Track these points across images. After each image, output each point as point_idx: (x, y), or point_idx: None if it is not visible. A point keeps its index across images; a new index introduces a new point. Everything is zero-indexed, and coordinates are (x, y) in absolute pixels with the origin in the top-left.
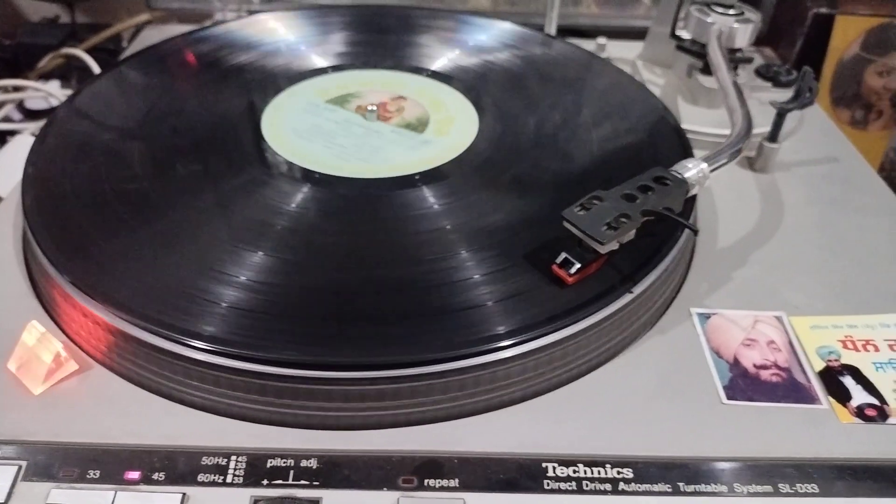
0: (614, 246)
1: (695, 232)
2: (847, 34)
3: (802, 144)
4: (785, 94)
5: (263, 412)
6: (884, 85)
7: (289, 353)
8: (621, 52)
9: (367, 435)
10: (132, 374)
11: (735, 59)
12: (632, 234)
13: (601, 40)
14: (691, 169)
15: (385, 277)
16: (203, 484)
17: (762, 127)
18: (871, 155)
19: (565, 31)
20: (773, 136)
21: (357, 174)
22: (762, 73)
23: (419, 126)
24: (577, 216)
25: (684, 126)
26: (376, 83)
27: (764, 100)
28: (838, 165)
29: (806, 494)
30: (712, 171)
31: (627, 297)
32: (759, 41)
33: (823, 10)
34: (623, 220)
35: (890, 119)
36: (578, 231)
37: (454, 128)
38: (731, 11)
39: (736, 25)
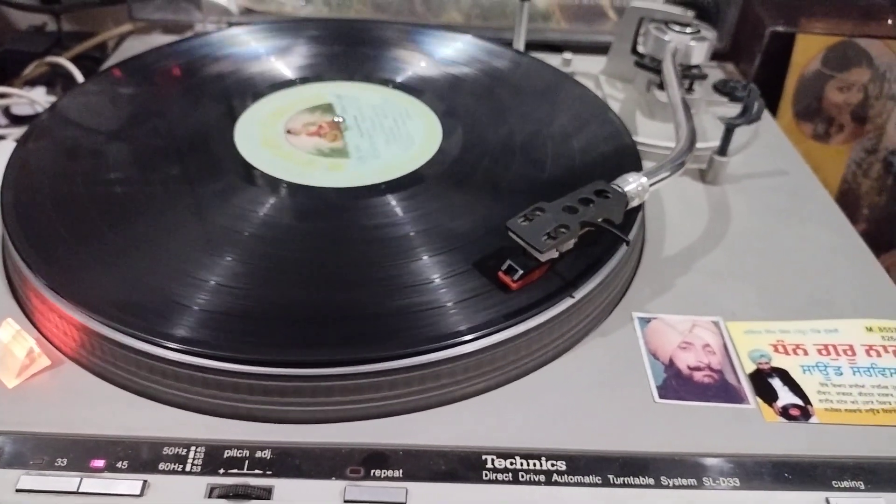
0: (554, 254)
1: (626, 242)
2: (808, 51)
3: (754, 158)
4: (738, 109)
5: (221, 406)
6: (844, 100)
7: (246, 353)
8: (587, 67)
9: (318, 428)
10: (100, 370)
11: (691, 75)
12: (570, 243)
13: (567, 55)
14: (631, 183)
15: (340, 281)
16: (163, 472)
17: (714, 141)
18: (834, 167)
19: (535, 46)
20: (722, 150)
21: (325, 183)
22: (719, 88)
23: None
24: (520, 226)
25: (640, 139)
26: (340, 95)
27: (720, 114)
28: (787, 178)
29: (728, 488)
30: (652, 185)
31: (568, 302)
32: (722, 57)
33: (780, 28)
34: (562, 230)
35: (851, 133)
36: (521, 240)
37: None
38: (688, 30)
39: (692, 43)
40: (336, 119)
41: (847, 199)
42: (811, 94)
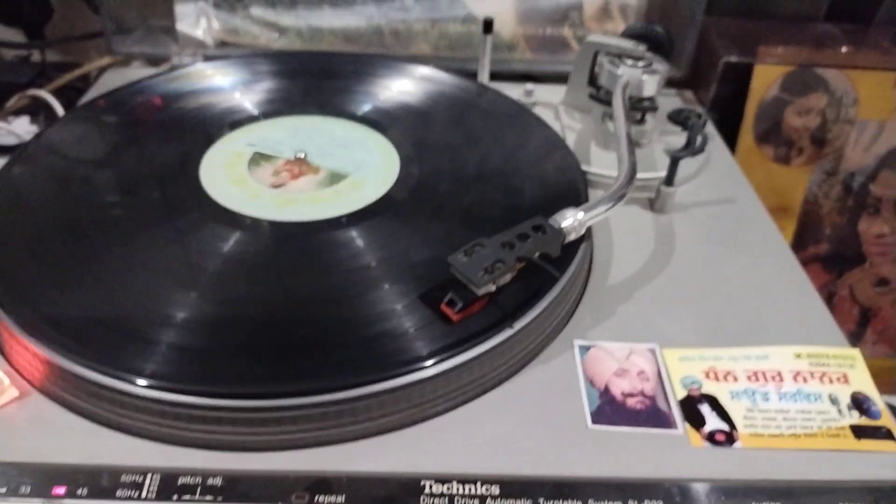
0: (491, 288)
1: (557, 276)
2: (766, 77)
3: (704, 186)
4: None
5: (177, 435)
6: (803, 124)
7: (200, 385)
8: (549, 97)
9: (267, 456)
10: (65, 401)
11: (642, 107)
12: (507, 277)
13: (528, 86)
14: (568, 218)
15: (285, 315)
16: (121, 499)
17: (663, 171)
18: (796, 189)
19: (501, 76)
20: (668, 181)
21: (287, 218)
22: (673, 117)
23: (335, 180)
24: (460, 261)
25: (593, 169)
26: (303, 129)
27: (673, 144)
28: (733, 206)
29: None
30: (589, 220)
31: (508, 333)
32: (682, 84)
33: (734, 58)
34: (499, 265)
35: (811, 155)
36: (460, 275)
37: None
38: (640, 63)
39: (644, 77)
40: (300, 155)
41: (810, 219)
42: (771, 118)
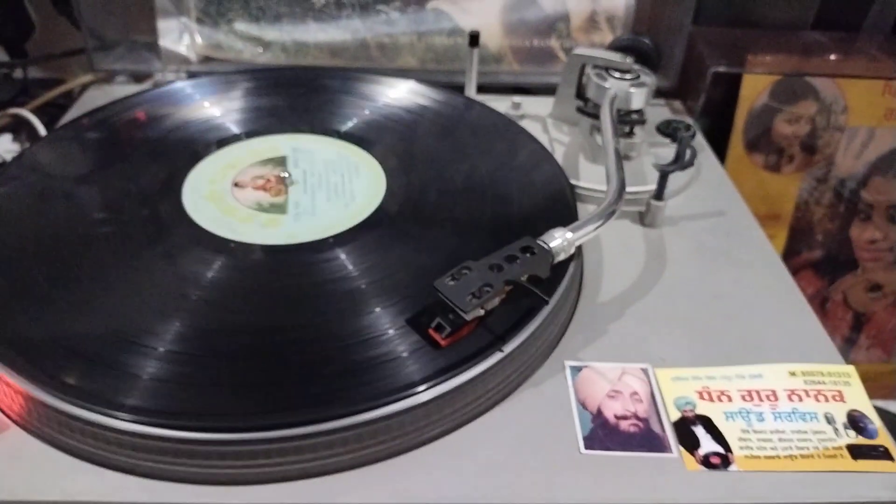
0: (479, 313)
1: (545, 301)
2: (755, 86)
3: (694, 198)
4: None
5: (162, 470)
6: (793, 132)
7: (184, 419)
8: (537, 109)
9: (254, 490)
10: (44, 435)
11: (631, 120)
12: (496, 301)
13: (516, 99)
14: (557, 238)
15: (265, 344)
16: None
17: (653, 184)
18: (787, 196)
19: (488, 89)
20: (658, 195)
21: (256, 240)
22: (661, 129)
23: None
24: (447, 286)
25: (582, 183)
26: (296, 147)
27: (662, 156)
28: (724, 219)
29: None
30: (578, 239)
31: (498, 356)
32: (670, 95)
33: (722, 68)
34: (487, 289)
35: (801, 162)
36: (447, 300)
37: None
38: (628, 76)
39: (631, 90)
40: (283, 174)
41: (801, 226)
42: (761, 126)
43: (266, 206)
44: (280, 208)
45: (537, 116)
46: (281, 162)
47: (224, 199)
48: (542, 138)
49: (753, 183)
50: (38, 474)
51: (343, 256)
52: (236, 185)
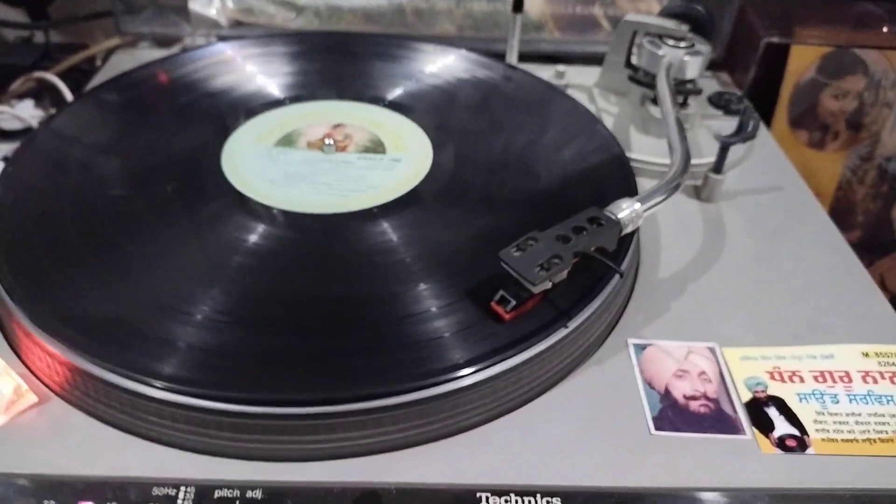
0: (547, 286)
1: (621, 274)
2: (803, 59)
3: (749, 172)
4: (734, 123)
5: (211, 444)
6: (840, 107)
7: (235, 391)
8: (581, 79)
9: (310, 466)
10: (88, 407)
11: (685, 90)
12: (564, 274)
13: (560, 68)
14: (625, 209)
15: (329, 315)
16: None
17: (709, 157)
18: (829, 174)
19: (529, 57)
20: (717, 168)
21: (328, 209)
22: (714, 101)
23: (378, 147)
24: (513, 257)
25: (634, 155)
26: (327, 113)
27: (714, 128)
28: (782, 194)
29: None
30: (646, 210)
31: (563, 332)
32: (717, 66)
33: (775, 39)
34: (555, 261)
35: (846, 140)
36: (513, 271)
37: (408, 144)
38: (682, 44)
39: (686, 58)
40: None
41: (842, 206)
42: (806, 101)
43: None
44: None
45: (582, 86)
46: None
47: (272, 154)
48: (590, 108)
49: (796, 160)
50: (84, 448)
51: (398, 228)
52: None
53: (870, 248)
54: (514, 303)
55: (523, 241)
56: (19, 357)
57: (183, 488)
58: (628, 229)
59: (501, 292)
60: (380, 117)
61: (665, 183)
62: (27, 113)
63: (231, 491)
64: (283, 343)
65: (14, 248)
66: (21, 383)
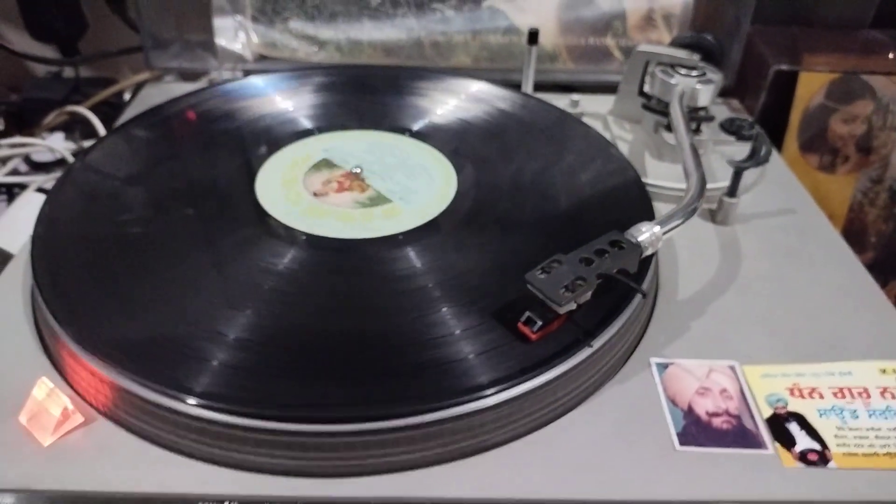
0: (572, 306)
1: (643, 294)
2: (811, 85)
3: (762, 196)
4: (746, 148)
5: (252, 461)
6: (849, 132)
7: (272, 409)
8: (595, 107)
9: (346, 483)
10: (133, 426)
11: (698, 117)
12: (588, 295)
13: (574, 97)
14: (644, 233)
15: (363, 335)
16: None
17: (723, 181)
18: (841, 197)
19: (543, 87)
20: (731, 192)
21: (347, 235)
22: (726, 127)
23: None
24: (538, 279)
25: (649, 181)
26: (358, 143)
27: (727, 154)
28: (795, 217)
29: None
30: (665, 233)
31: (587, 352)
32: (727, 93)
33: (784, 66)
34: (580, 282)
35: (856, 163)
36: (539, 293)
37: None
38: (694, 73)
39: (698, 86)
40: (354, 170)
41: (854, 228)
42: (816, 126)
43: (366, 201)
44: (381, 199)
45: (596, 114)
46: (368, 157)
47: (293, 179)
48: (605, 135)
49: (807, 183)
50: (129, 466)
51: (420, 253)
52: (315, 170)
53: (883, 269)
54: (540, 323)
55: (548, 263)
56: (66, 380)
57: (227, 503)
58: (648, 252)
59: (528, 313)
60: (404, 145)
61: (682, 206)
62: (59, 145)
63: None
64: (318, 363)
65: (58, 276)
66: (68, 404)
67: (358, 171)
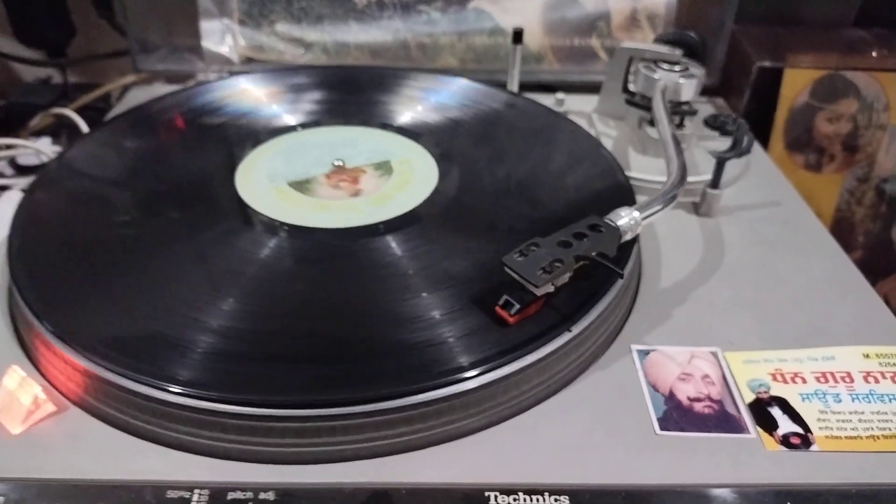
0: (550, 289)
1: (621, 276)
2: (796, 83)
3: (747, 190)
4: (729, 143)
5: (224, 448)
6: (834, 130)
7: (246, 394)
8: (579, 106)
9: (321, 469)
10: (104, 414)
11: (681, 111)
12: (566, 277)
13: (559, 95)
14: (624, 217)
15: (338, 321)
16: None
17: (706, 174)
18: (828, 196)
19: (529, 87)
20: (714, 183)
21: (327, 224)
22: (710, 122)
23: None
24: (516, 261)
25: (633, 174)
26: (340, 137)
27: (711, 148)
28: (779, 209)
29: None
30: (644, 219)
31: (567, 336)
32: (712, 92)
33: (767, 63)
34: (557, 264)
35: (842, 162)
36: (516, 275)
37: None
38: (677, 68)
39: (681, 81)
40: (336, 163)
41: (842, 227)
42: (801, 125)
43: (348, 192)
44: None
45: (581, 112)
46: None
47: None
48: (590, 132)
49: (794, 183)
50: (100, 454)
51: (401, 242)
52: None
53: (872, 269)
54: (517, 306)
55: (525, 246)
56: (38, 369)
57: (197, 491)
58: (627, 236)
59: (505, 297)
60: (388, 141)
61: (663, 193)
62: (45, 149)
63: (244, 493)
64: (294, 348)
65: (35, 266)
66: (39, 393)
67: (340, 163)
